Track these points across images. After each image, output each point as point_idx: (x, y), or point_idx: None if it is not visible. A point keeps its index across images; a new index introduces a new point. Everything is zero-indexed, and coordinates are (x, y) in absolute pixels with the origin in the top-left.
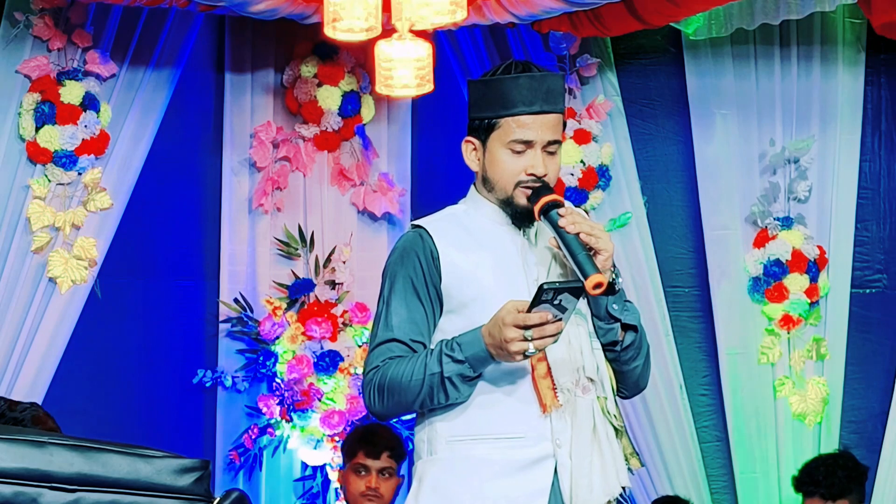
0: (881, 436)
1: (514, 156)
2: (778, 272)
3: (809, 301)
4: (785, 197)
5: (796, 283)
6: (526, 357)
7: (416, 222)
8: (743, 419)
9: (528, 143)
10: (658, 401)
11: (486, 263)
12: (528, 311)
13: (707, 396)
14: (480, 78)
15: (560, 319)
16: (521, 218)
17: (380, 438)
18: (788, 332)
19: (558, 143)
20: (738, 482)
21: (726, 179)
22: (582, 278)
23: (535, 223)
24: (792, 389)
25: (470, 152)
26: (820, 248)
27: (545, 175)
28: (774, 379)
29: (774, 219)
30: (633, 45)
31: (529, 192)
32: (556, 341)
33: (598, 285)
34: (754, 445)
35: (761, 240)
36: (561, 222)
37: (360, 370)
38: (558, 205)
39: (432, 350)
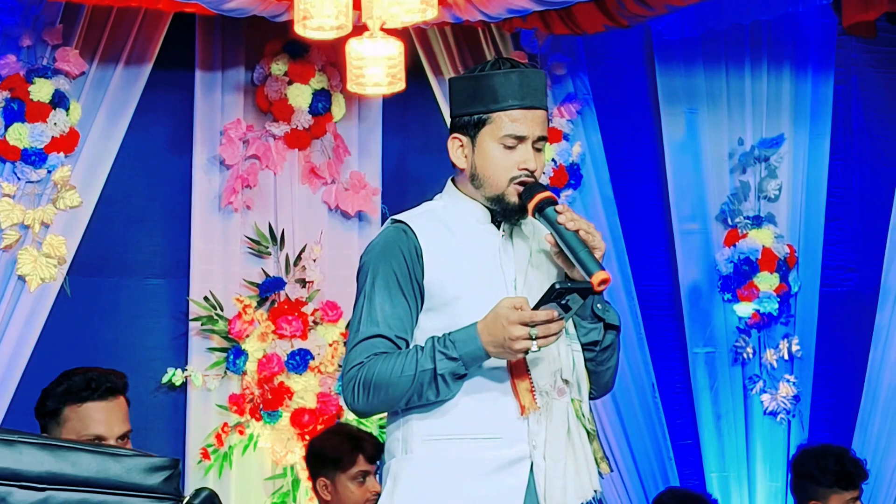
0: (851, 434)
1: (506, 151)
2: (748, 271)
3: (780, 299)
4: (755, 196)
5: (766, 281)
6: (525, 354)
7: (396, 217)
8: (714, 418)
9: (521, 139)
10: (629, 400)
11: (467, 262)
12: (536, 308)
13: (679, 395)
14: (467, 74)
15: (563, 318)
16: (510, 215)
17: (371, 441)
18: (759, 331)
19: (545, 139)
20: (709, 481)
21: (697, 178)
22: (586, 276)
23: (511, 222)
24: (763, 387)
25: (457, 149)
26: (790, 246)
27: (535, 170)
28: (745, 377)
29: (745, 217)
30: (605, 43)
31: (521, 188)
32: (556, 339)
33: (603, 282)
34: (725, 444)
35: (732, 238)
36: (560, 219)
37: (331, 369)
38: (553, 202)
39: (422, 347)
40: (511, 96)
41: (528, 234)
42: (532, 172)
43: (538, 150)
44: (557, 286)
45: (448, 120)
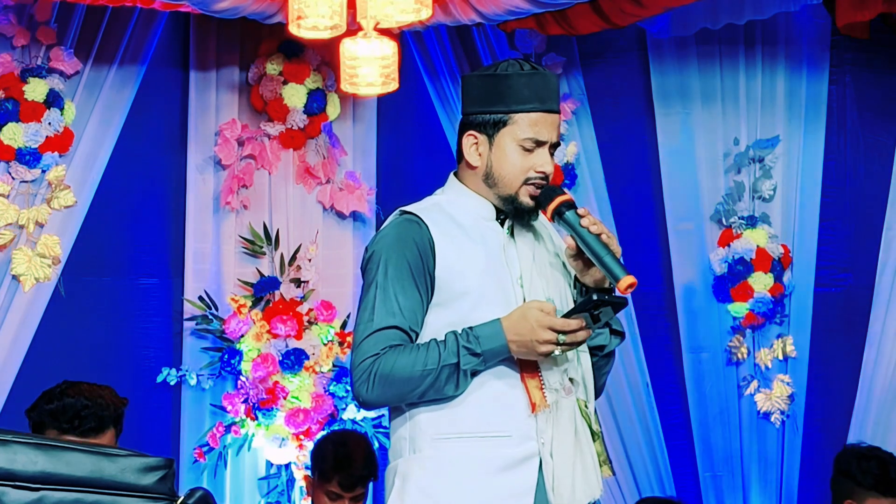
0: (846, 434)
1: (524, 153)
2: (742, 271)
3: (774, 299)
4: (749, 196)
5: (761, 281)
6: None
7: (406, 209)
8: (708, 418)
9: (541, 143)
10: (623, 400)
11: (475, 258)
12: (569, 315)
13: (673, 395)
14: (487, 73)
15: (591, 328)
16: (521, 215)
17: (357, 468)
18: (753, 331)
19: (558, 145)
20: (703, 481)
21: (691, 178)
22: (613, 280)
23: (520, 222)
24: (757, 388)
25: (471, 146)
26: (784, 246)
27: (550, 174)
28: (740, 377)
29: (739, 217)
30: (599, 43)
31: (533, 189)
32: (578, 346)
33: (630, 286)
34: (719, 444)
35: (726, 238)
36: (583, 222)
37: (325, 368)
38: (573, 205)
39: (442, 341)
40: (533, 99)
41: (530, 233)
42: (546, 176)
43: (551, 155)
44: (595, 297)
45: (441, 118)
